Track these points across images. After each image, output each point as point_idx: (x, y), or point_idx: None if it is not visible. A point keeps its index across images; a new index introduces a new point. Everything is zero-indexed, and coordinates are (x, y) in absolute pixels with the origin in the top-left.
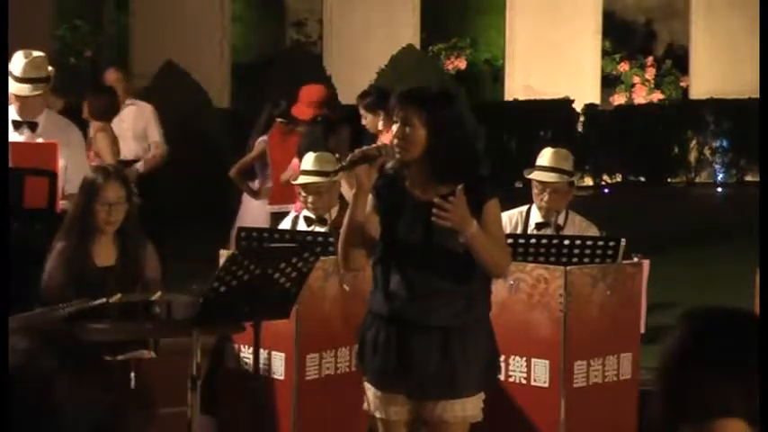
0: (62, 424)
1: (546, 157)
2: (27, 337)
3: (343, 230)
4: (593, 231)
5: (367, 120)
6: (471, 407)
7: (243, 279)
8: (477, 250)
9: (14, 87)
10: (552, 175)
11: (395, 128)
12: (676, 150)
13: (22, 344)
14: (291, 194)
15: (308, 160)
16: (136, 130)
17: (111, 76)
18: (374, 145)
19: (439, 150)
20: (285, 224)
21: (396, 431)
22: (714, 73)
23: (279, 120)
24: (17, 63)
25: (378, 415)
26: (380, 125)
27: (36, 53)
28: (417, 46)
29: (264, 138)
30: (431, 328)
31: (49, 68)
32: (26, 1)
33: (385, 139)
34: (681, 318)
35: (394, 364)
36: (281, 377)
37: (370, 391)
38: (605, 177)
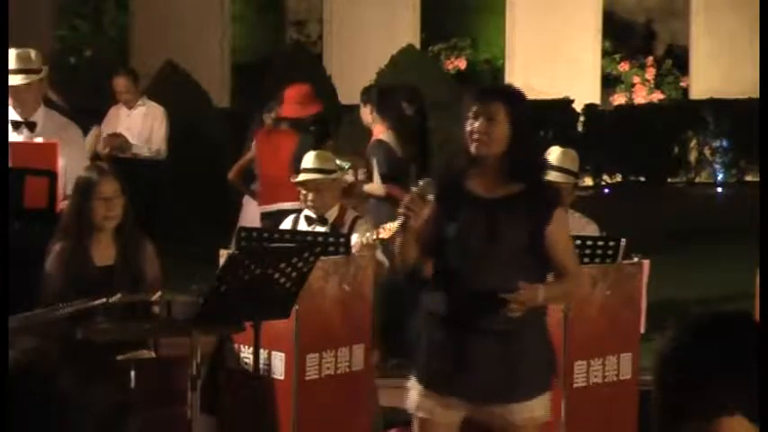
0: (68, 420)
1: (554, 155)
2: (36, 338)
3: (398, 248)
4: (593, 227)
5: (362, 111)
6: (539, 407)
7: (243, 279)
8: (552, 302)
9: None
10: (558, 174)
11: (475, 123)
12: (676, 150)
13: (31, 343)
14: (281, 193)
15: (308, 158)
16: (141, 131)
17: (120, 85)
18: (403, 206)
19: (519, 148)
20: (286, 224)
21: None
22: (714, 73)
23: (270, 119)
24: (9, 57)
25: (421, 415)
26: (370, 119)
27: (29, 50)
28: (417, 46)
29: None
30: (491, 331)
31: (44, 67)
32: (26, 1)
33: (376, 132)
34: (676, 320)
35: (452, 366)
36: (281, 377)
37: (415, 390)
38: (605, 177)
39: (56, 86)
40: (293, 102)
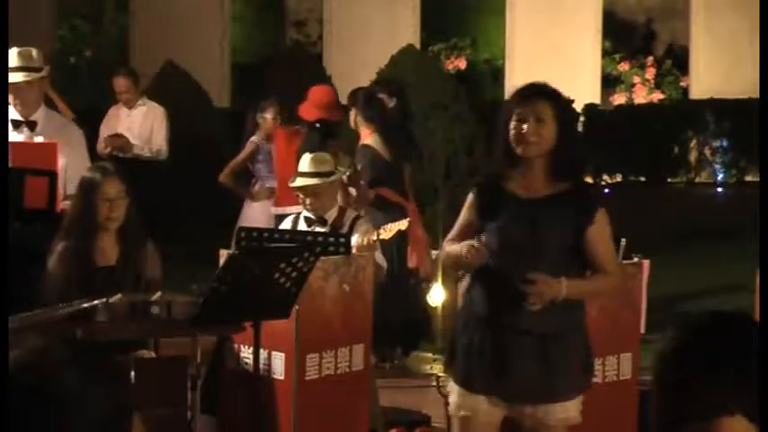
0: (69, 420)
1: None
2: (43, 338)
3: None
4: None
5: (350, 115)
6: (573, 408)
7: (243, 279)
8: (578, 297)
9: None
10: None
11: (523, 124)
12: (676, 150)
13: (38, 343)
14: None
15: (305, 162)
16: (141, 131)
17: (121, 85)
18: (464, 252)
19: (565, 148)
20: (285, 224)
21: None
22: (714, 73)
23: (263, 118)
24: (10, 55)
25: (462, 414)
26: (356, 123)
27: (31, 48)
28: (417, 46)
29: (253, 139)
30: (530, 332)
31: (45, 66)
32: (26, 1)
33: (363, 136)
34: (677, 321)
35: (491, 366)
36: (281, 377)
37: (455, 390)
38: (605, 177)
39: (59, 93)
40: (316, 106)
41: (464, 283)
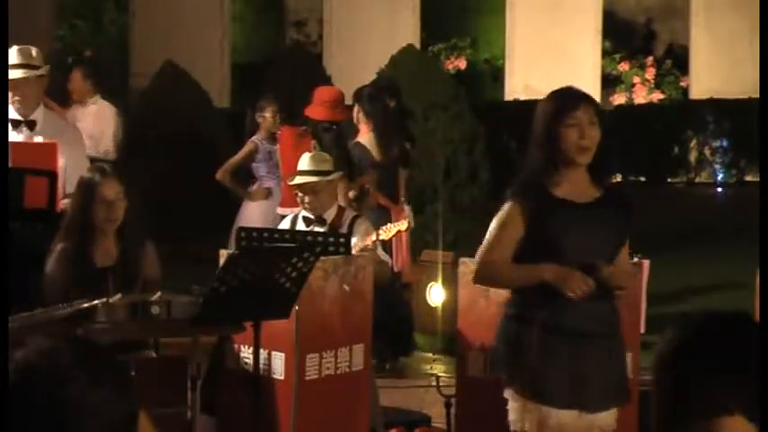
0: (74, 420)
1: None
2: (49, 339)
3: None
4: None
5: (354, 111)
6: (614, 417)
7: (243, 279)
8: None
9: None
10: None
11: (581, 130)
12: (676, 150)
13: (44, 343)
14: None
15: (304, 160)
16: (93, 130)
17: (72, 78)
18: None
19: (604, 151)
20: (284, 224)
21: None
22: (714, 73)
23: (263, 117)
24: (9, 53)
25: (527, 427)
26: (357, 119)
27: (31, 47)
28: (417, 46)
29: (253, 139)
30: (598, 336)
31: (45, 66)
32: (26, 1)
33: (361, 133)
34: (676, 321)
35: (566, 377)
36: (281, 377)
37: (521, 408)
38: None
39: (52, 99)
40: (324, 104)
41: (480, 292)
